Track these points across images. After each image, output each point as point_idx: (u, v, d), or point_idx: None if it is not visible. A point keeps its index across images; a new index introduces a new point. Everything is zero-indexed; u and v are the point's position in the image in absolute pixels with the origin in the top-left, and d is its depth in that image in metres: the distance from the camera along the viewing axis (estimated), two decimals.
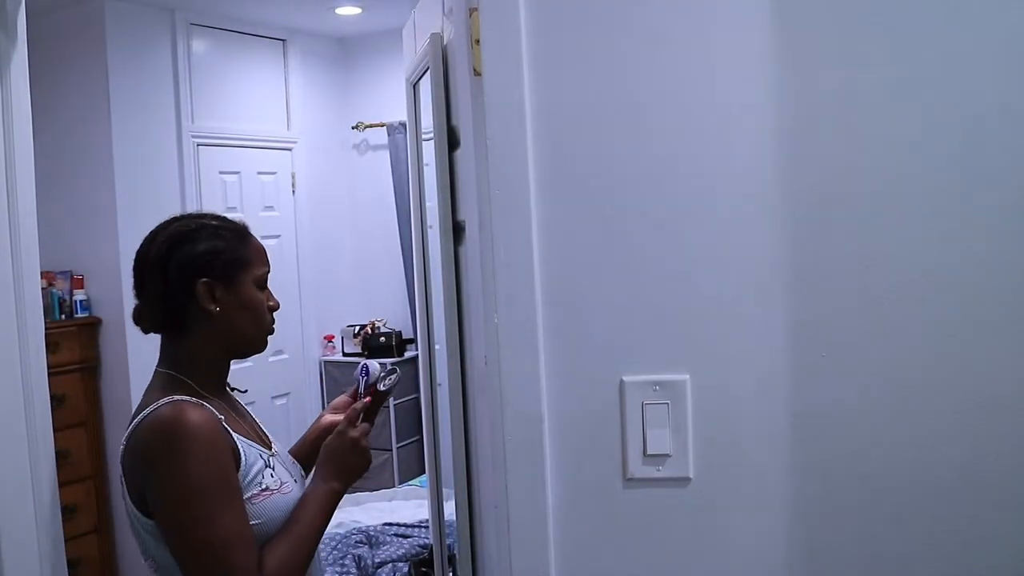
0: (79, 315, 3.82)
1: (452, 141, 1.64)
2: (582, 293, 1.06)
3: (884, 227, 1.01)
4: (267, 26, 4.58)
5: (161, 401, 1.27)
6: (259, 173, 4.57)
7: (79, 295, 3.84)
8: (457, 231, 1.64)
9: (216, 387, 1.39)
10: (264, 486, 1.32)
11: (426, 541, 3.32)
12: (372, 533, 3.47)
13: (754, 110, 1.02)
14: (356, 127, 5.03)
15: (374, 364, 1.59)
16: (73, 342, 3.74)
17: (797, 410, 1.04)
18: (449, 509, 1.99)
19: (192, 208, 4.10)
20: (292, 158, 4.75)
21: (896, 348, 1.02)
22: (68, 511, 3.10)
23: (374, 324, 4.93)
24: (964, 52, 0.99)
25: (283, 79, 4.73)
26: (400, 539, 3.42)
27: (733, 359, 1.05)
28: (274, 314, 1.45)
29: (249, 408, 1.54)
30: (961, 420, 1.01)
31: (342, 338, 4.96)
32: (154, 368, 1.39)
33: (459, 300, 1.68)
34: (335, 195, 5.03)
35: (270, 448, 1.44)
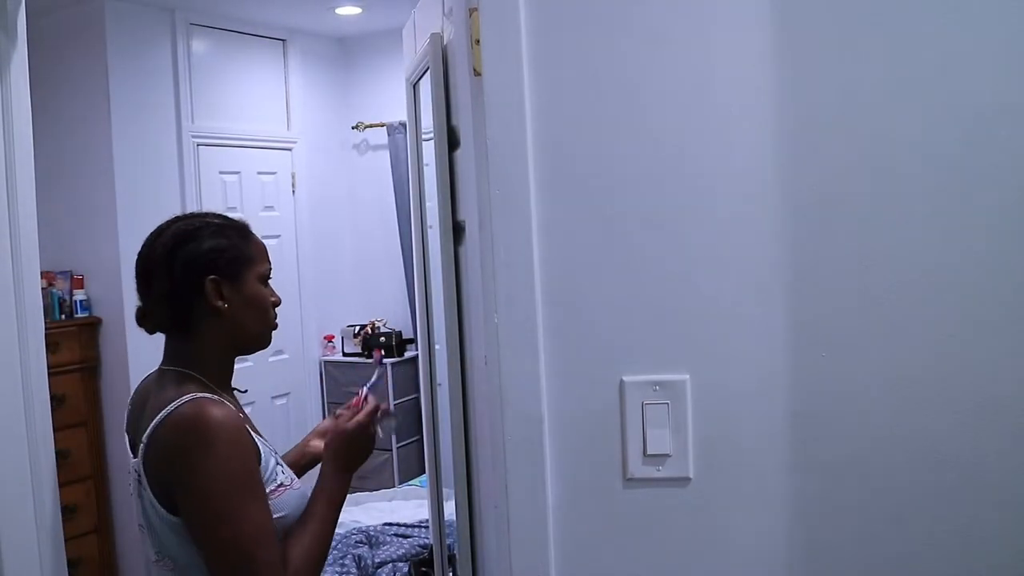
0: (79, 315, 3.82)
1: (452, 141, 1.64)
2: (582, 293, 1.06)
3: (884, 227, 1.01)
4: (267, 26, 4.57)
5: (184, 398, 1.26)
6: (259, 173, 4.57)
7: (79, 295, 3.84)
8: (457, 231, 1.64)
9: (224, 386, 1.40)
10: (279, 482, 1.34)
11: (426, 541, 3.32)
12: (372, 533, 3.47)
13: (754, 110, 1.02)
14: (356, 127, 5.03)
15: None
16: (73, 342, 3.74)
17: (797, 410, 1.04)
18: (449, 509, 1.99)
19: (192, 208, 4.10)
20: (292, 158, 4.75)
21: (896, 348, 1.02)
22: (68, 511, 3.10)
23: (374, 324, 4.93)
24: (964, 52, 0.98)
25: (283, 79, 4.73)
26: (400, 539, 3.42)
27: (733, 359, 1.05)
28: (276, 310, 1.46)
29: (246, 408, 1.54)
30: (961, 420, 1.01)
31: (342, 338, 4.96)
32: (158, 368, 1.39)
33: (459, 300, 1.68)
34: (335, 195, 5.03)
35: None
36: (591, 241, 1.05)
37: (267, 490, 1.30)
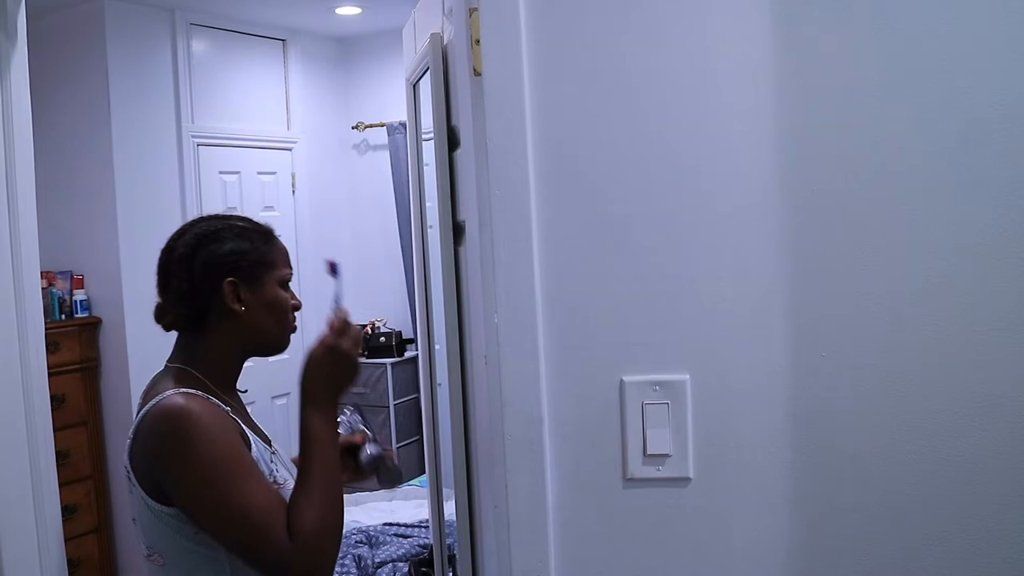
0: (79, 315, 3.82)
1: (452, 141, 1.64)
2: (582, 293, 1.06)
3: (884, 227, 1.01)
4: (267, 26, 4.57)
5: (167, 393, 1.27)
6: (259, 173, 4.57)
7: (79, 295, 3.84)
8: (457, 231, 1.64)
9: (227, 386, 1.40)
10: (273, 480, 1.33)
11: (426, 541, 3.32)
12: (372, 533, 3.47)
13: (754, 111, 1.02)
14: (356, 127, 5.03)
15: (370, 451, 1.54)
16: (73, 342, 3.73)
17: (797, 410, 1.04)
18: (449, 509, 1.99)
19: (192, 208, 4.11)
20: (292, 158, 4.75)
21: (896, 348, 1.02)
22: (68, 511, 3.11)
23: (374, 324, 4.93)
24: (963, 52, 0.98)
25: (283, 79, 4.72)
26: (400, 539, 3.42)
27: (733, 359, 1.05)
28: (295, 314, 1.45)
29: (247, 408, 1.54)
30: (961, 420, 1.01)
31: None
32: (164, 364, 1.39)
33: (459, 300, 1.68)
34: (335, 195, 5.02)
35: (271, 446, 1.45)
36: (591, 241, 1.05)
37: None
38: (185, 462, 1.22)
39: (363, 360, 4.78)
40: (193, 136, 4.17)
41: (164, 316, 1.39)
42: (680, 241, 1.04)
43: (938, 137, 0.99)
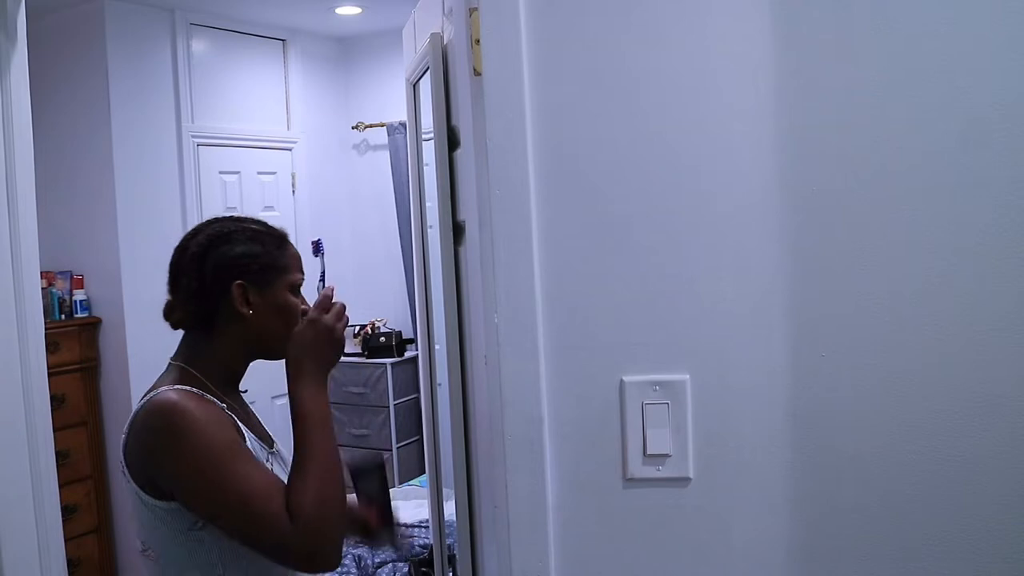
0: (79, 315, 3.82)
1: (452, 141, 1.64)
2: (582, 293, 1.06)
3: (884, 227, 1.01)
4: (267, 26, 4.58)
5: (160, 389, 1.28)
6: (259, 173, 4.57)
7: (79, 295, 3.84)
8: (457, 231, 1.64)
9: (228, 386, 1.40)
10: None
11: (426, 541, 3.32)
12: None
13: (754, 111, 1.02)
14: (356, 127, 5.03)
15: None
16: (73, 342, 3.74)
17: (797, 410, 1.04)
18: (449, 509, 1.99)
19: (192, 208, 4.11)
20: (292, 158, 4.75)
21: (896, 348, 1.02)
22: (68, 511, 3.11)
23: (374, 324, 4.93)
24: (962, 52, 0.98)
25: (283, 79, 4.73)
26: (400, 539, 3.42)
27: (733, 359, 1.05)
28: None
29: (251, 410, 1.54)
30: (961, 420, 1.01)
31: None
32: (168, 361, 1.40)
33: (459, 300, 1.68)
34: (335, 195, 5.03)
35: (272, 446, 1.45)
36: (591, 241, 1.05)
37: None
38: (179, 455, 1.22)
39: (363, 360, 4.78)
40: (193, 136, 4.17)
41: (172, 313, 1.39)
42: (680, 241, 1.04)
43: (938, 137, 0.99)
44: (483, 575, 1.61)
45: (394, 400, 4.73)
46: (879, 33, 1.00)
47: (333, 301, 1.34)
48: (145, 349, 3.71)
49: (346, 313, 1.35)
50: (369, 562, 3.21)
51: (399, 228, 4.82)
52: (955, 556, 1.02)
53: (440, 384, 1.96)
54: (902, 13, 0.99)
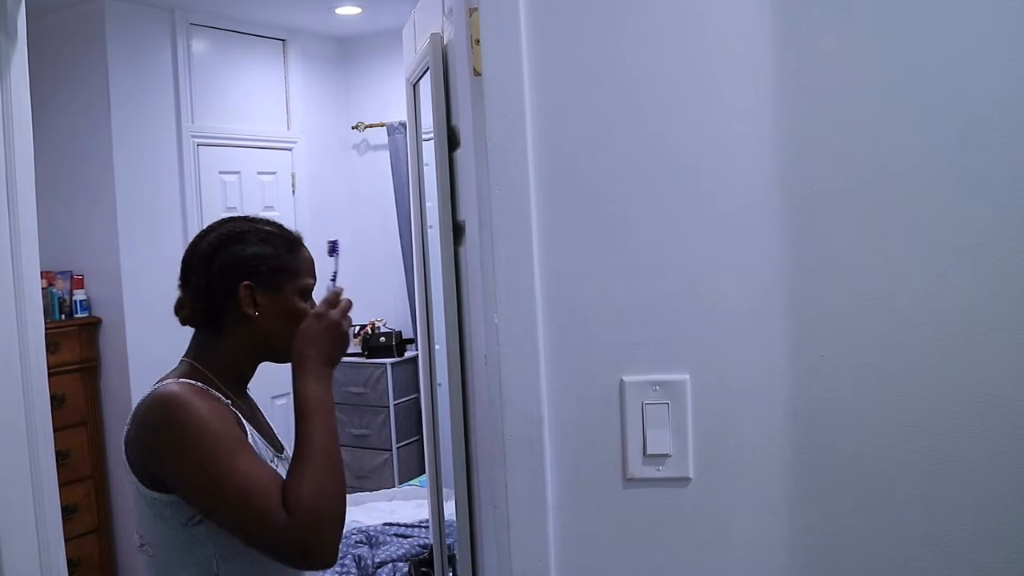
0: (79, 315, 3.82)
1: (452, 141, 1.64)
2: (582, 293, 1.06)
3: (884, 227, 1.01)
4: (267, 26, 4.58)
5: (166, 382, 1.29)
6: (259, 173, 4.57)
7: (79, 295, 3.84)
8: (457, 231, 1.64)
9: (238, 386, 1.40)
10: None
11: (426, 541, 3.32)
12: (372, 533, 3.48)
13: (755, 111, 1.02)
14: (356, 127, 5.04)
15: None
16: (73, 342, 3.74)
17: (797, 410, 1.04)
18: (449, 509, 1.99)
19: (192, 208, 4.11)
20: (292, 158, 4.75)
21: (896, 348, 1.02)
22: (68, 511, 3.11)
23: (374, 324, 4.93)
24: (962, 52, 0.98)
25: (283, 79, 4.73)
26: (400, 539, 3.42)
27: (733, 359, 1.05)
28: None
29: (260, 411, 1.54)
30: (961, 420, 1.01)
31: None
32: (178, 360, 1.40)
33: (459, 300, 1.68)
34: (335, 195, 5.03)
35: (281, 452, 1.45)
36: (591, 241, 1.05)
37: None
38: (179, 448, 1.21)
39: (363, 360, 4.78)
40: (193, 136, 4.17)
41: (181, 310, 1.40)
42: (680, 241, 1.04)
43: (938, 137, 0.99)
44: (483, 575, 1.61)
45: (394, 400, 4.73)
46: (879, 33, 1.00)
47: (341, 298, 1.34)
48: (145, 349, 3.71)
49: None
50: (369, 562, 3.21)
51: (399, 228, 4.82)
52: (955, 556, 1.02)
53: (440, 384, 1.96)
54: (902, 13, 0.99)
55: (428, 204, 2.07)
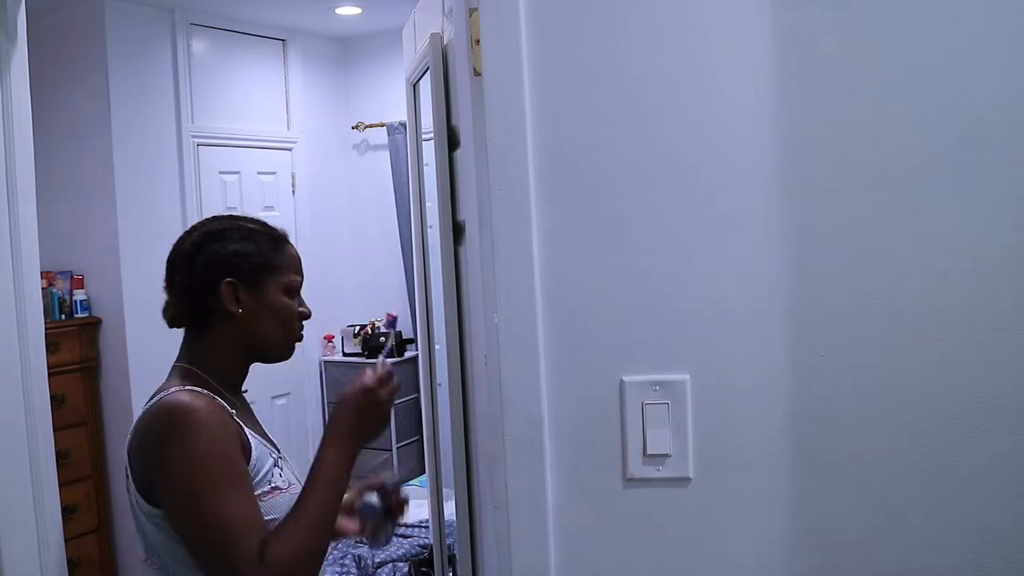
0: (79, 315, 3.82)
1: (452, 141, 1.64)
2: (582, 293, 1.06)
3: (884, 227, 1.01)
4: (267, 26, 4.57)
5: (171, 389, 1.27)
6: (259, 173, 4.57)
7: (79, 295, 3.84)
8: (457, 231, 1.64)
9: (232, 387, 1.39)
10: (274, 484, 1.32)
11: (426, 541, 3.32)
12: None
13: (754, 111, 1.02)
14: (356, 127, 5.03)
15: (372, 499, 1.44)
16: (73, 342, 3.73)
17: (797, 410, 1.04)
18: (449, 509, 1.99)
19: (192, 208, 4.11)
20: (292, 158, 4.75)
21: (896, 348, 1.02)
22: (68, 511, 3.11)
23: (374, 324, 4.93)
24: (962, 52, 0.98)
25: (283, 79, 4.73)
26: (400, 539, 3.42)
27: (733, 359, 1.05)
28: (302, 323, 1.43)
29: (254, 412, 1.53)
30: (961, 420, 1.01)
31: (342, 338, 4.96)
32: (172, 364, 1.39)
33: (459, 300, 1.68)
34: (335, 195, 5.03)
35: (279, 450, 1.44)
36: (591, 241, 1.05)
37: (259, 491, 1.28)
38: (173, 458, 1.20)
39: (363, 360, 4.79)
40: (193, 136, 4.17)
41: (167, 311, 1.39)
42: (680, 241, 1.04)
43: (938, 137, 0.99)
44: (483, 575, 1.61)
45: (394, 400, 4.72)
46: (879, 33, 1.00)
47: (392, 381, 1.36)
48: (145, 349, 3.71)
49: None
50: (369, 562, 3.21)
51: (399, 228, 4.82)
52: (955, 556, 1.02)
53: (440, 384, 1.96)
54: (902, 13, 0.99)
55: (428, 204, 2.07)
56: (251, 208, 4.40)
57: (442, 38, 1.68)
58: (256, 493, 1.27)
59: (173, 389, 1.27)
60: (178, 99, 4.10)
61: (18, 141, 1.95)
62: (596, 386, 1.07)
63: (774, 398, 1.04)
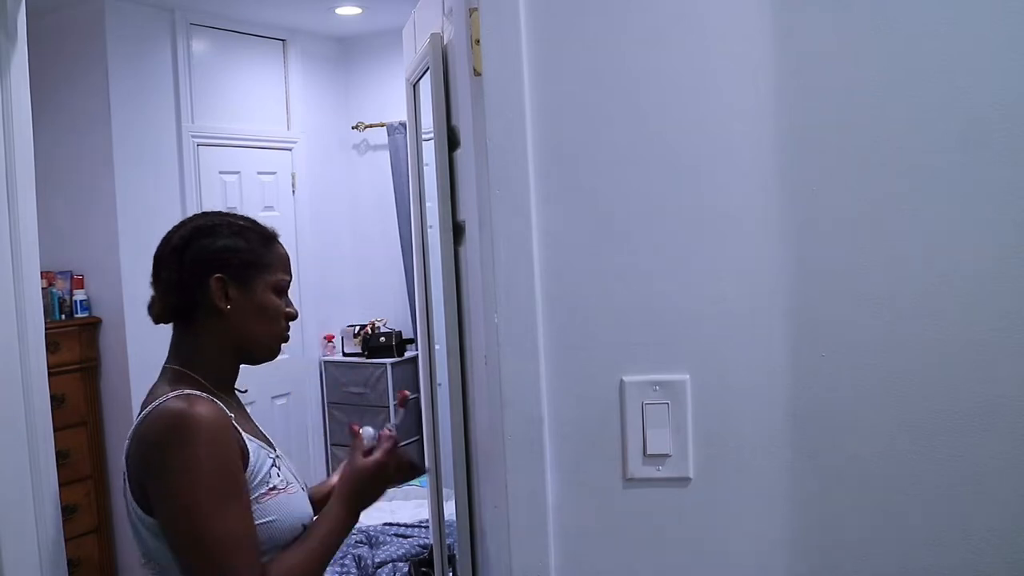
0: (79, 315, 3.82)
1: (452, 141, 1.64)
2: (582, 293, 1.06)
3: (884, 227, 1.01)
4: (267, 26, 4.57)
5: (170, 394, 1.25)
6: (259, 173, 4.57)
7: (79, 295, 3.84)
8: (457, 231, 1.64)
9: (225, 387, 1.38)
10: (272, 485, 1.31)
11: (426, 541, 3.32)
12: (372, 533, 3.48)
13: (754, 111, 1.02)
14: (356, 127, 5.03)
15: (368, 430, 1.52)
16: (73, 342, 3.73)
17: (797, 410, 1.04)
18: (449, 509, 1.99)
19: (192, 208, 4.11)
20: (292, 158, 4.75)
21: (896, 348, 1.02)
22: (68, 511, 3.11)
23: (374, 324, 4.93)
24: (962, 52, 0.98)
25: (283, 79, 4.72)
26: (400, 539, 3.42)
27: (733, 359, 1.05)
28: (289, 323, 1.43)
29: (247, 408, 1.53)
30: (961, 420, 1.01)
31: (342, 338, 4.96)
32: (162, 365, 1.38)
33: (459, 300, 1.68)
34: (335, 195, 5.02)
35: (275, 448, 1.43)
36: (591, 241, 1.05)
37: (257, 493, 1.27)
38: (172, 469, 1.20)
39: (363, 360, 4.79)
40: (193, 136, 4.17)
41: (153, 307, 1.38)
42: (680, 241, 1.04)
43: (938, 137, 0.99)
44: (483, 575, 1.61)
45: (394, 400, 4.72)
46: (879, 33, 1.00)
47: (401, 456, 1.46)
48: (145, 349, 3.71)
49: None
50: (369, 562, 3.21)
51: (399, 228, 4.82)
52: (955, 556, 1.02)
53: (440, 384, 1.96)
54: (902, 13, 0.99)
55: (428, 204, 2.07)
56: (251, 208, 4.40)
57: (442, 38, 1.68)
58: (254, 496, 1.27)
59: (172, 394, 1.25)
60: (178, 99, 4.10)
61: (18, 141, 1.95)
62: (596, 386, 1.07)
63: (774, 398, 1.04)
